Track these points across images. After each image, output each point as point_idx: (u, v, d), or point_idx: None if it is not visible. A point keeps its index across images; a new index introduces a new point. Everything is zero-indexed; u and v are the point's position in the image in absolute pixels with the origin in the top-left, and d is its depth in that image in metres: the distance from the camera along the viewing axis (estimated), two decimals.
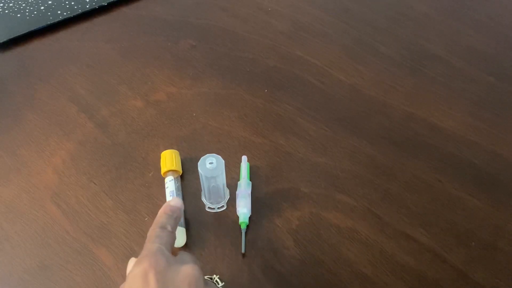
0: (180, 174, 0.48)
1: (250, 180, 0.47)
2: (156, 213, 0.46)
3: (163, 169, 0.47)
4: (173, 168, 0.47)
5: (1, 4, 0.69)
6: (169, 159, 0.48)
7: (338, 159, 0.51)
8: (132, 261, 0.35)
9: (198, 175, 0.43)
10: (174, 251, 0.36)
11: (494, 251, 0.43)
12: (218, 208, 0.46)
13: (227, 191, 0.46)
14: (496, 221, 0.45)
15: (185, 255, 0.34)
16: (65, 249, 0.43)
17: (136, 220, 0.45)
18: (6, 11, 0.68)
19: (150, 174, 0.49)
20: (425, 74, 0.61)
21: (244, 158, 0.48)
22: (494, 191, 0.48)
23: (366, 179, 0.49)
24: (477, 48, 0.65)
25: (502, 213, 0.46)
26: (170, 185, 0.46)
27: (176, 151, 0.49)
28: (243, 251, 0.42)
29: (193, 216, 0.45)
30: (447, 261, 0.42)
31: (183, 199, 0.47)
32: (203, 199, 0.46)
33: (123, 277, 0.41)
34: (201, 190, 0.46)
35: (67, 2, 0.69)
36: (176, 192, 0.45)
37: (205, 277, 0.39)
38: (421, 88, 0.59)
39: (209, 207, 0.46)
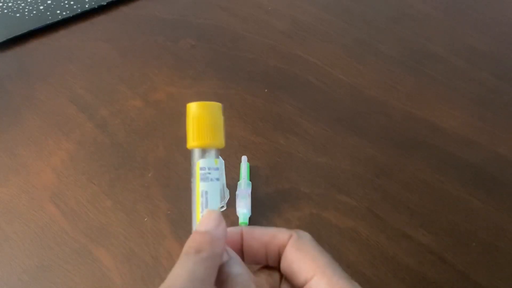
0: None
1: (250, 180, 0.47)
2: (156, 213, 0.46)
3: (203, 141, 0.25)
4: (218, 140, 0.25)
5: (0, 4, 0.69)
6: (209, 121, 0.25)
7: (338, 159, 0.50)
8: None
9: None
10: None
11: (495, 252, 0.43)
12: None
13: (227, 192, 0.46)
14: (497, 221, 0.45)
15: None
16: (64, 250, 0.43)
17: (136, 220, 0.45)
18: (5, 11, 0.68)
19: (150, 175, 0.49)
20: (426, 73, 0.61)
21: (244, 158, 0.48)
22: (495, 191, 0.48)
23: (367, 179, 0.48)
24: (478, 48, 0.65)
25: (503, 213, 0.46)
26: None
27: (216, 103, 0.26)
28: None
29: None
30: (447, 261, 0.42)
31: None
32: None
33: (122, 278, 0.41)
34: None
35: (66, 2, 0.69)
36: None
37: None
38: (421, 88, 0.59)
39: None
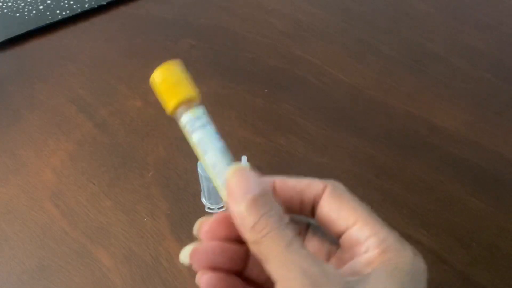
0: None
1: None
2: (156, 213, 0.46)
3: (174, 100, 0.24)
4: (191, 93, 0.24)
5: (0, 4, 0.69)
6: (177, 81, 0.24)
7: (338, 159, 0.50)
8: None
9: (198, 176, 0.43)
10: None
11: (495, 252, 0.43)
12: (218, 208, 0.45)
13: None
14: (498, 221, 0.45)
15: None
16: (64, 250, 0.43)
17: (135, 220, 0.45)
18: (5, 11, 0.68)
19: (149, 174, 0.49)
20: (426, 73, 0.61)
21: (244, 158, 0.48)
22: (496, 192, 0.48)
23: (367, 179, 0.48)
24: (478, 48, 0.65)
25: (504, 214, 0.46)
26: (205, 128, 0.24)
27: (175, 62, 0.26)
28: None
29: (193, 216, 0.45)
30: (448, 262, 0.42)
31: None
32: (203, 200, 0.46)
33: (122, 278, 0.41)
34: (200, 191, 0.46)
35: (66, 2, 0.69)
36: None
37: None
38: (422, 88, 0.59)
39: (208, 208, 0.45)
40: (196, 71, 0.60)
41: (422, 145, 0.52)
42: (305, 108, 0.56)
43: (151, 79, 0.25)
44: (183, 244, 0.43)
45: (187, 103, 0.24)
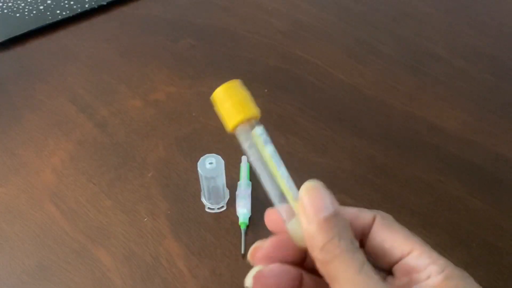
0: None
1: (250, 181, 0.47)
2: (156, 213, 0.46)
3: (253, 111, 0.26)
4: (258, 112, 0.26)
5: (0, 4, 0.69)
6: (239, 97, 0.26)
7: (338, 159, 0.50)
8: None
9: (198, 175, 0.43)
10: None
11: (495, 252, 0.43)
12: (218, 208, 0.45)
13: (227, 192, 0.46)
14: (498, 221, 0.45)
15: None
16: (64, 250, 0.43)
17: (135, 220, 0.45)
18: (5, 11, 0.68)
19: (149, 175, 0.49)
20: (426, 73, 0.61)
21: (244, 158, 0.48)
22: (496, 192, 0.48)
23: (367, 179, 0.48)
24: (479, 48, 0.65)
25: (504, 214, 0.46)
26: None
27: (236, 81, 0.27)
28: (243, 251, 0.42)
29: (192, 216, 0.45)
30: None
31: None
32: (203, 200, 0.46)
33: (122, 278, 0.41)
34: (200, 191, 0.46)
35: (66, 2, 0.69)
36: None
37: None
38: (422, 88, 0.59)
39: (208, 208, 0.45)
40: (196, 71, 0.60)
41: (422, 145, 0.52)
42: (305, 108, 0.56)
43: (224, 86, 0.27)
44: (183, 244, 0.43)
45: (254, 120, 0.26)
